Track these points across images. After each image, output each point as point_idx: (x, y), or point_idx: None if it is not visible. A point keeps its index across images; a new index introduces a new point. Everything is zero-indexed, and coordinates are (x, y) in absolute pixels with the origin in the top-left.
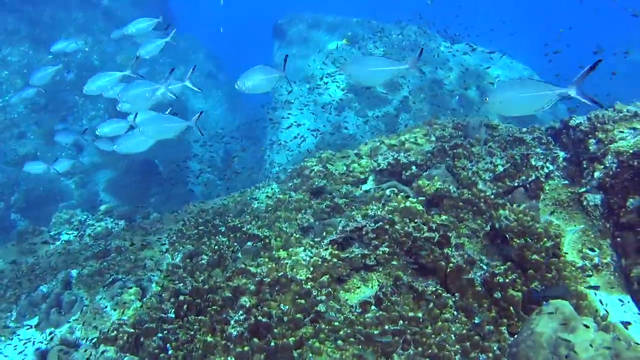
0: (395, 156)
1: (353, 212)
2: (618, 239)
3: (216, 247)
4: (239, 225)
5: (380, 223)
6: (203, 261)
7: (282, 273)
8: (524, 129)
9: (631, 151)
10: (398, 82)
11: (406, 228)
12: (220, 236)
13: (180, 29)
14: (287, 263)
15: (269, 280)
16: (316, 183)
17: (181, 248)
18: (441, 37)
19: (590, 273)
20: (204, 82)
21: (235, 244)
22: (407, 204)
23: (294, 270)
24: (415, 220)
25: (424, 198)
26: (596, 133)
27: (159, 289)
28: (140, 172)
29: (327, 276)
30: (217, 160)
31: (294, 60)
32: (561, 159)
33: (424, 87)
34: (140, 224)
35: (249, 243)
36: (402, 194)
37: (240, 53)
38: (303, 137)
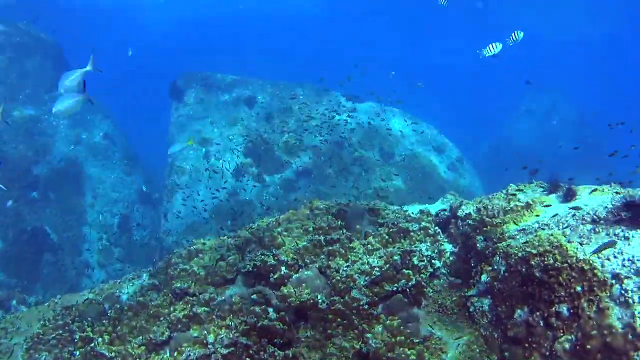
0: (262, 257)
1: (205, 331)
2: (506, 354)
3: None
4: (92, 337)
5: (233, 348)
6: None
7: None
8: (411, 215)
9: (520, 254)
10: (297, 145)
11: (262, 353)
12: (73, 348)
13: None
14: None
15: None
16: (179, 285)
17: (37, 356)
18: (343, 96)
19: None
20: (100, 143)
21: None
22: (265, 322)
23: None
24: (275, 341)
25: (285, 313)
26: (484, 228)
27: None
28: (29, 242)
29: None
30: (114, 226)
31: (190, 122)
32: (448, 253)
33: (325, 150)
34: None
35: None
36: (262, 306)
37: (140, 113)
38: (195, 207)
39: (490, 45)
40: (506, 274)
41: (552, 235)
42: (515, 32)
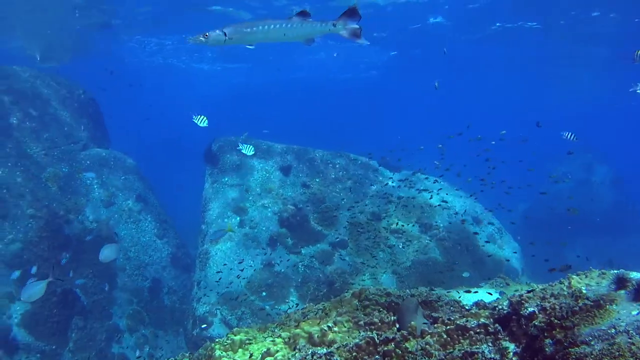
0: (315, 358)
1: None
2: None
3: None
4: None
5: None
6: None
7: None
8: (466, 308)
9: None
10: (334, 215)
11: None
12: None
13: (113, 146)
14: None
15: None
16: None
17: None
18: (381, 165)
19: None
20: (133, 205)
21: None
22: None
23: None
24: None
25: None
26: (553, 332)
27: None
28: (59, 304)
29: None
30: (145, 290)
31: (225, 189)
32: (511, 354)
33: (361, 222)
34: None
35: None
36: None
37: (171, 174)
38: (231, 279)
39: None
40: None
41: (634, 345)
42: None
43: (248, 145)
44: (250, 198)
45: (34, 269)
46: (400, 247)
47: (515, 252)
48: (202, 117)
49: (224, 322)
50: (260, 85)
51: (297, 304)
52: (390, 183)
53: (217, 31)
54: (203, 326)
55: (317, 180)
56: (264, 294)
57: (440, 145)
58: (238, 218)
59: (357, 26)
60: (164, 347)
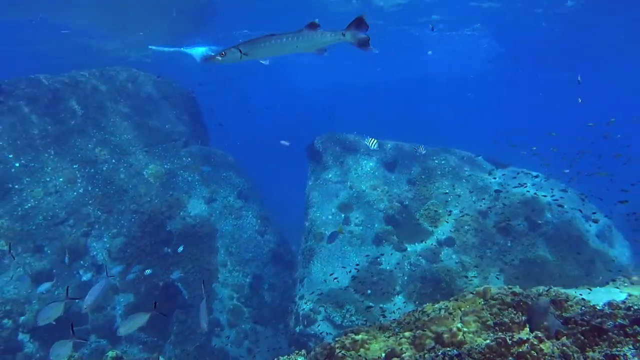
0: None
1: None
2: None
3: None
4: None
5: None
6: None
7: None
8: (600, 309)
9: None
10: (440, 213)
11: None
12: None
13: (212, 142)
14: None
15: None
16: None
17: None
18: (487, 162)
19: None
20: (234, 202)
21: None
22: None
23: None
24: None
25: None
26: None
27: None
28: (161, 297)
29: None
30: (245, 286)
31: (328, 185)
32: None
33: (468, 219)
34: None
35: None
36: None
37: (271, 169)
38: (336, 276)
39: None
40: None
41: None
42: None
43: (372, 140)
44: (354, 195)
45: (136, 268)
46: (508, 244)
47: (624, 250)
48: (373, 140)
49: (328, 319)
50: (364, 82)
51: (405, 302)
52: (497, 179)
53: (232, 49)
54: (314, 327)
55: (423, 176)
56: (369, 291)
57: (579, 138)
58: (343, 215)
59: (365, 36)
60: (263, 343)
